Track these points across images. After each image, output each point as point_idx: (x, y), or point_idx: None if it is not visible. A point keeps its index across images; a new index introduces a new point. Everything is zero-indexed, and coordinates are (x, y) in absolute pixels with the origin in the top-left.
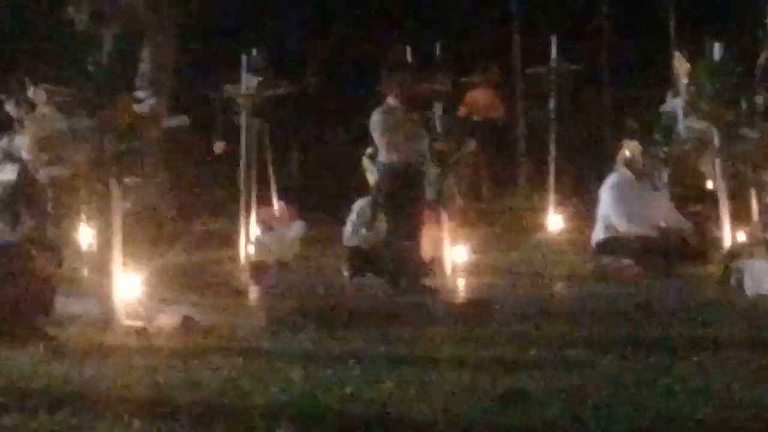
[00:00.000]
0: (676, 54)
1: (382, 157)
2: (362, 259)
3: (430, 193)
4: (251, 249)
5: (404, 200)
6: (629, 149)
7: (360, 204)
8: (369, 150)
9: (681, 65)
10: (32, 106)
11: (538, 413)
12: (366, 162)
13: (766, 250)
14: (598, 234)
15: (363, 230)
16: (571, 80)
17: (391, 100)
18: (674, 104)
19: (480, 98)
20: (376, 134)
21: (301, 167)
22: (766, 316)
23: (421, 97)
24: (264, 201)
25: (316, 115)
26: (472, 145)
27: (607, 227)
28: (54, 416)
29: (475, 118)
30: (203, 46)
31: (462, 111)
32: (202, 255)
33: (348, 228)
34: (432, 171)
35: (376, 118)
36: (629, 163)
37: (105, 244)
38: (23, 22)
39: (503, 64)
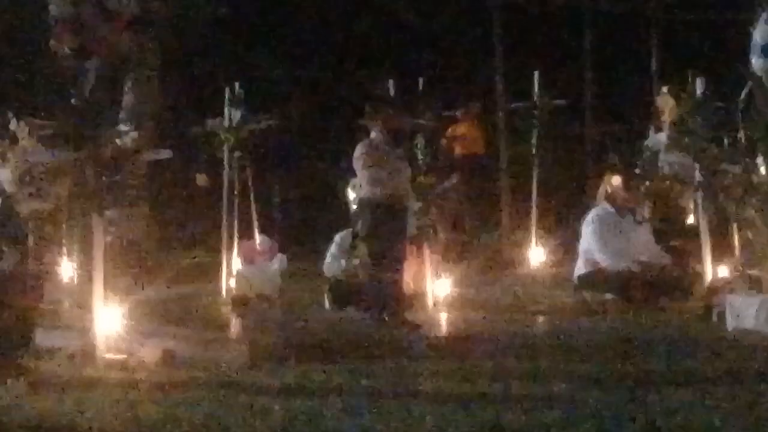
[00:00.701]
0: (662, 90)
1: (365, 190)
2: (343, 292)
3: (412, 227)
4: (233, 282)
5: (386, 234)
6: (611, 184)
7: (341, 236)
8: (353, 181)
9: (666, 101)
10: (14, 139)
11: None
12: (349, 192)
13: (747, 286)
14: (579, 268)
15: (343, 262)
16: (553, 115)
17: (374, 134)
18: (657, 139)
19: (463, 133)
20: (358, 168)
21: (282, 201)
22: (747, 350)
23: (404, 131)
24: (246, 234)
25: (299, 149)
26: (454, 179)
27: (589, 261)
28: None
29: (458, 152)
30: (186, 80)
31: (445, 146)
32: (183, 288)
33: (328, 260)
34: (414, 205)
35: (359, 151)
36: (610, 198)
37: (86, 277)
38: (5, 56)
39: (486, 99)
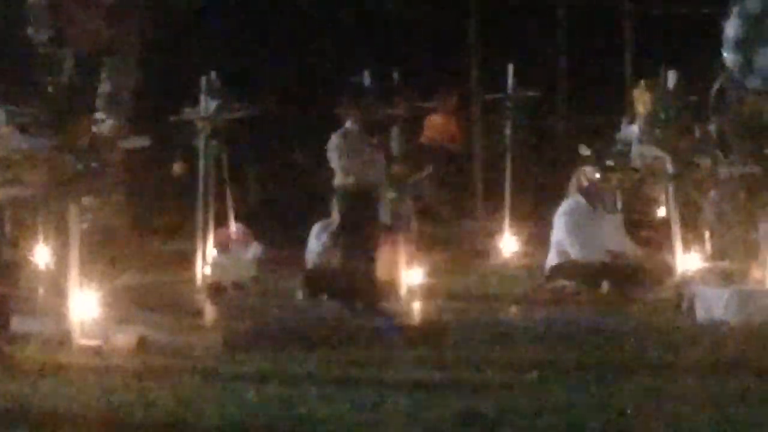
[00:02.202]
0: (640, 83)
1: (339, 180)
2: (318, 281)
3: (386, 217)
4: (208, 270)
5: (360, 223)
6: (583, 176)
7: (318, 226)
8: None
9: (641, 94)
10: None
11: None
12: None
13: (716, 277)
14: (551, 259)
15: (319, 252)
16: (527, 107)
17: (349, 124)
18: (629, 131)
19: (438, 124)
20: (334, 157)
21: (258, 189)
22: (717, 341)
23: (379, 122)
24: (221, 222)
25: (274, 137)
26: (428, 169)
27: (561, 252)
28: None
29: (433, 143)
30: (162, 68)
31: (421, 138)
32: (158, 275)
33: (308, 250)
34: (388, 194)
35: (334, 141)
36: (583, 190)
37: (62, 264)
38: None
39: (461, 90)
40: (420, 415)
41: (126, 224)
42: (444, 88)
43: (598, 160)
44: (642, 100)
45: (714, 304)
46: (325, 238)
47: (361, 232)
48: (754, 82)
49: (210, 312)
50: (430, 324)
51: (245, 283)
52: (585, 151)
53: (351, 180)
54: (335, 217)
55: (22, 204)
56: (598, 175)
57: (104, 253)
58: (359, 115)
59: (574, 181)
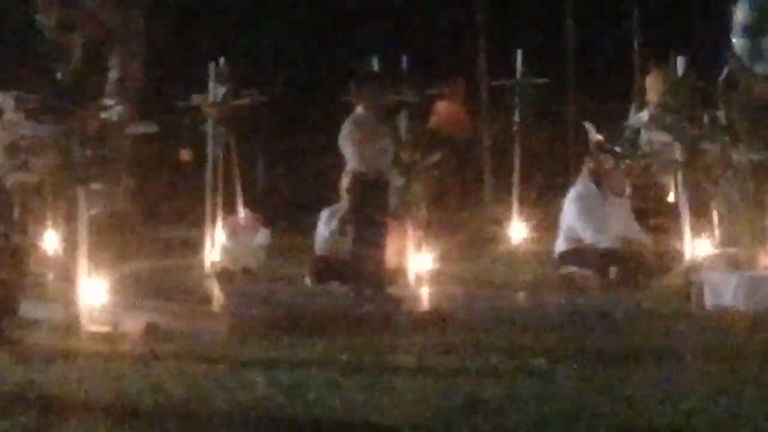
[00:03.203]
0: (653, 71)
1: (351, 166)
2: (326, 268)
3: (395, 203)
4: (216, 256)
5: (371, 209)
6: (596, 161)
7: (327, 212)
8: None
9: (654, 80)
10: (0, 112)
11: (500, 421)
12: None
13: (725, 263)
14: (560, 245)
15: (328, 238)
16: (536, 93)
17: (360, 111)
18: (638, 118)
19: (446, 110)
20: (346, 144)
21: (267, 175)
22: (725, 327)
23: (389, 108)
24: (230, 209)
25: (283, 123)
26: (437, 155)
27: (570, 238)
28: (17, 421)
29: (441, 129)
30: (171, 54)
31: (430, 124)
32: (167, 262)
33: (317, 235)
34: (398, 181)
35: (347, 128)
36: (594, 176)
37: (71, 250)
38: None
39: (469, 77)
40: (428, 400)
41: (135, 210)
42: (452, 74)
43: (608, 147)
44: (653, 87)
45: (723, 291)
46: (333, 224)
47: (370, 219)
48: (763, 68)
49: (218, 298)
50: (438, 310)
51: (254, 270)
52: (591, 128)
53: (362, 167)
54: (343, 202)
55: (31, 190)
56: (609, 162)
57: (113, 239)
58: (368, 101)
59: (584, 167)
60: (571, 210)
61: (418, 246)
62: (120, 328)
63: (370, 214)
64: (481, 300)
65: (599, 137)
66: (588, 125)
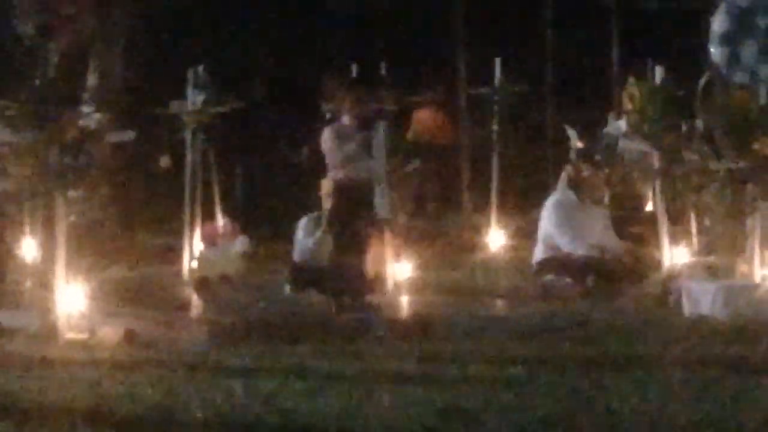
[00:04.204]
0: (631, 80)
1: (331, 174)
2: (305, 275)
3: (381, 210)
4: (195, 264)
5: (350, 217)
6: (574, 169)
7: (305, 220)
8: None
9: (633, 90)
10: None
11: (477, 429)
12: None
13: (703, 272)
14: (539, 253)
15: (307, 245)
16: (514, 101)
17: (340, 118)
18: (616, 126)
19: (425, 118)
20: (326, 150)
21: (245, 183)
22: (703, 335)
23: (368, 115)
24: (208, 216)
25: (261, 131)
26: (416, 163)
27: (548, 246)
28: None
29: (420, 137)
30: (150, 61)
31: (410, 133)
32: (145, 269)
33: (296, 244)
34: (376, 188)
35: (326, 134)
36: (572, 184)
37: (48, 257)
38: None
39: (447, 84)
40: (406, 409)
41: (113, 218)
42: (431, 82)
43: (586, 155)
44: (630, 95)
45: (701, 299)
46: (315, 232)
47: (350, 226)
48: (740, 77)
49: (197, 306)
50: (416, 318)
51: (232, 277)
52: (573, 134)
53: (341, 174)
54: (324, 210)
55: (9, 197)
56: (587, 169)
57: (91, 246)
58: (347, 109)
59: (563, 175)
60: (549, 218)
61: (397, 254)
62: (98, 336)
63: (349, 222)
64: (459, 308)
65: (580, 144)
66: (570, 131)
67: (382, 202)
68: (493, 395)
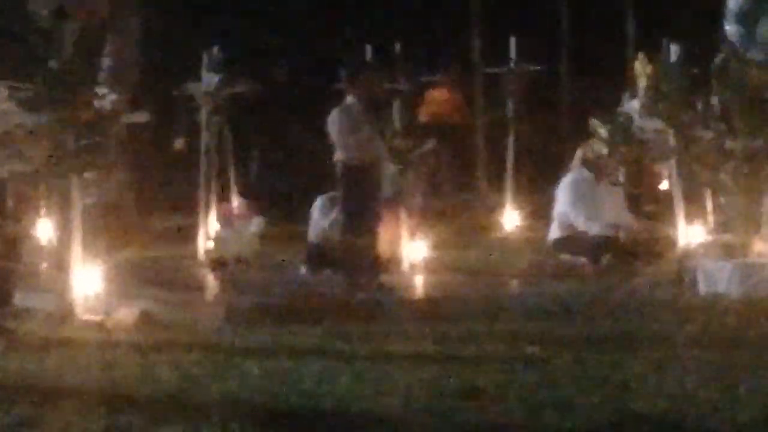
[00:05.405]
0: (639, 56)
1: (340, 155)
2: (321, 256)
3: (388, 191)
4: (210, 245)
5: (362, 198)
6: (590, 148)
7: (321, 200)
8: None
9: (642, 67)
10: None
11: (495, 409)
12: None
13: (719, 250)
14: (554, 232)
15: (323, 226)
16: (529, 80)
17: (350, 99)
18: (631, 105)
19: (439, 98)
20: (334, 132)
21: (260, 163)
22: (719, 314)
23: (380, 96)
24: (224, 197)
25: (276, 112)
26: (431, 143)
27: (564, 225)
28: (11, 410)
29: (435, 117)
30: (165, 43)
31: (424, 114)
32: (161, 250)
33: (311, 223)
34: (391, 169)
35: (334, 116)
36: (588, 163)
37: (64, 239)
38: None
39: (462, 64)
40: (422, 389)
41: (128, 199)
42: (446, 62)
43: (602, 134)
44: (643, 73)
45: (716, 278)
46: (331, 212)
47: (363, 207)
48: (756, 55)
49: (212, 287)
50: (432, 298)
51: (248, 258)
52: (599, 126)
53: (352, 155)
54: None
55: (25, 179)
56: (603, 149)
57: (106, 228)
58: (360, 89)
59: (578, 154)
60: (564, 197)
61: (412, 234)
62: (114, 317)
63: (362, 203)
64: (475, 288)
65: (599, 124)
66: (592, 121)
67: (393, 183)
68: (509, 375)
